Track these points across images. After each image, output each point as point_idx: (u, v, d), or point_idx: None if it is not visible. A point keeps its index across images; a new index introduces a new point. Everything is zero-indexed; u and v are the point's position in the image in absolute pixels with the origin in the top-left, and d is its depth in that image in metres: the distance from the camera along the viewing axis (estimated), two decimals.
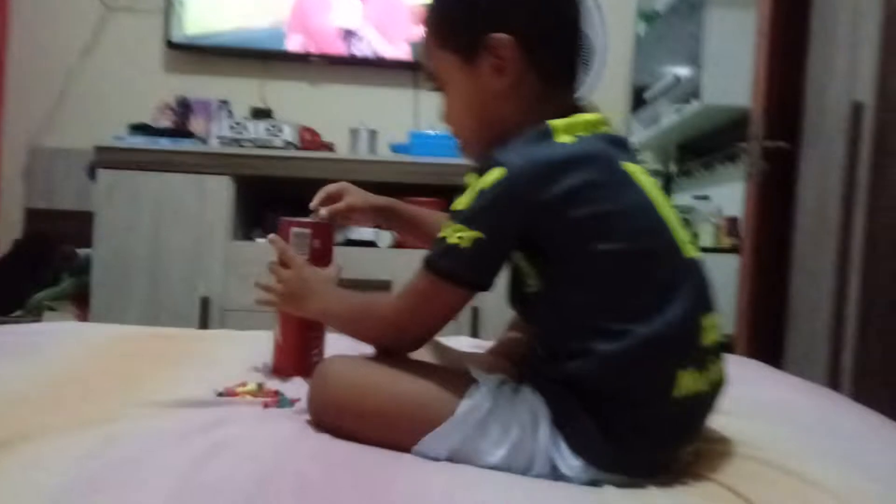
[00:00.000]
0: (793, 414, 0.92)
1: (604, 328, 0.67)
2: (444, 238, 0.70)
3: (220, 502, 0.54)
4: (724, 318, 1.86)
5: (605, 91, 2.46)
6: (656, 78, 3.44)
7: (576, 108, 0.76)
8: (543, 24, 0.76)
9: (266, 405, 0.81)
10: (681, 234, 0.72)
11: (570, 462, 0.66)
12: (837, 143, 1.56)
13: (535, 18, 0.76)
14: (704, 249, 2.92)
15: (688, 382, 0.67)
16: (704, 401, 0.71)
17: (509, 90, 0.76)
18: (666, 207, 0.73)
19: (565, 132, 0.71)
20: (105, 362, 0.98)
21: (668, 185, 3.95)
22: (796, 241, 1.73)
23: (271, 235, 0.97)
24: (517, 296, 0.76)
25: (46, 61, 2.53)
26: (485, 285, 0.71)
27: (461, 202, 0.70)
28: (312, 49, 2.50)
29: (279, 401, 0.83)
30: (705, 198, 3.25)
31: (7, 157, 2.52)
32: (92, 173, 2.06)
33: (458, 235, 0.68)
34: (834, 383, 1.48)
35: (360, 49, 2.50)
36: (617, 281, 0.68)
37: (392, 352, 0.77)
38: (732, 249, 2.21)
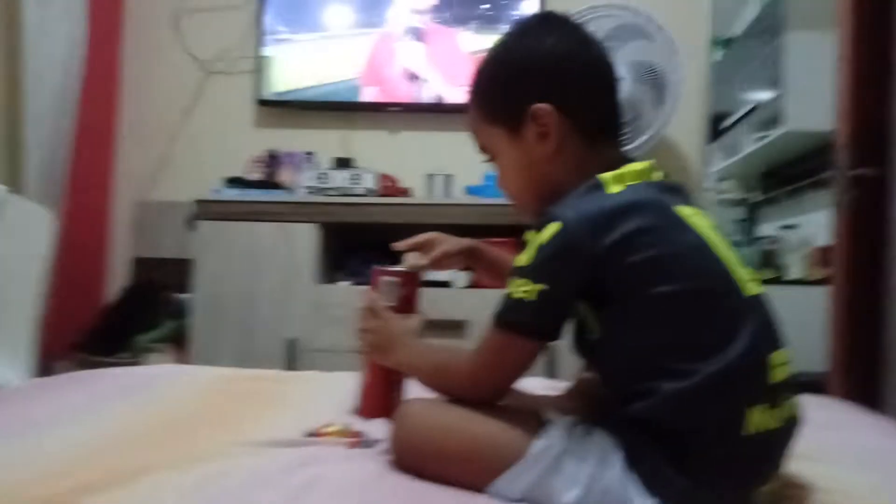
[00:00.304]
0: (883, 461, 0.88)
1: (668, 368, 0.68)
2: (509, 294, 0.73)
3: None
4: (817, 355, 1.79)
5: (681, 123, 2.45)
6: (735, 105, 3.36)
7: (623, 160, 0.80)
8: (580, 91, 0.81)
9: (351, 445, 0.86)
10: (740, 273, 0.74)
11: (644, 501, 0.67)
12: None
13: (571, 87, 0.81)
14: (793, 282, 2.81)
15: (758, 420, 0.68)
16: (777, 438, 0.71)
17: (555, 154, 0.81)
18: (722, 247, 0.75)
19: (615, 183, 0.75)
20: (207, 403, 1.07)
21: (752, 215, 3.81)
22: (890, 273, 1.65)
23: (365, 289, 1.01)
24: (582, 344, 0.79)
25: (151, 122, 2.77)
26: (553, 335, 0.75)
27: (522, 259, 0.73)
28: (386, 98, 2.62)
29: (363, 442, 0.87)
30: (792, 227, 3.13)
31: (117, 211, 2.76)
32: (192, 224, 2.23)
33: (522, 290, 0.72)
34: None
35: (428, 94, 2.59)
36: (677, 322, 0.69)
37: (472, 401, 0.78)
38: (824, 281, 2.11)
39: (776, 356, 0.72)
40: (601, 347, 0.75)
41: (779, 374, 0.71)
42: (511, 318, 0.74)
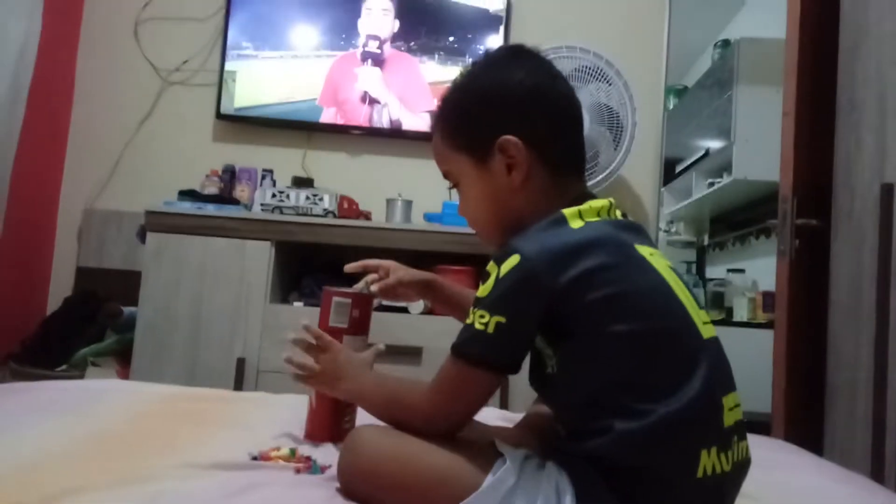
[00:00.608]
0: (823, 500, 0.90)
1: (622, 407, 0.69)
2: (470, 325, 0.74)
3: None
4: (763, 395, 1.84)
5: (636, 165, 2.52)
6: (688, 151, 3.49)
7: (586, 196, 0.81)
8: (547, 125, 0.83)
9: (298, 471, 0.84)
10: (696, 315, 0.75)
11: None
12: (868, 223, 1.57)
13: (539, 120, 0.82)
14: (740, 324, 2.90)
15: (710, 462, 0.68)
16: (728, 481, 0.71)
17: (520, 185, 0.82)
18: (680, 289, 0.76)
19: (576, 218, 0.76)
20: (146, 422, 1.03)
21: (701, 258, 3.93)
22: (831, 320, 1.71)
23: (305, 323, 0.97)
24: (537, 377, 0.79)
25: (105, 129, 2.69)
26: (511, 368, 0.75)
27: (483, 290, 0.74)
28: (345, 120, 2.62)
29: (311, 467, 0.85)
30: (740, 271, 3.24)
31: (62, 219, 2.66)
32: (142, 236, 2.16)
33: (482, 322, 0.72)
34: (877, 472, 1.43)
35: (388, 119, 2.61)
36: (634, 361, 0.70)
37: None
38: (769, 324, 2.18)
39: (729, 399, 0.73)
40: (556, 382, 0.75)
41: (731, 418, 0.72)
42: (469, 349, 0.74)
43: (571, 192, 0.82)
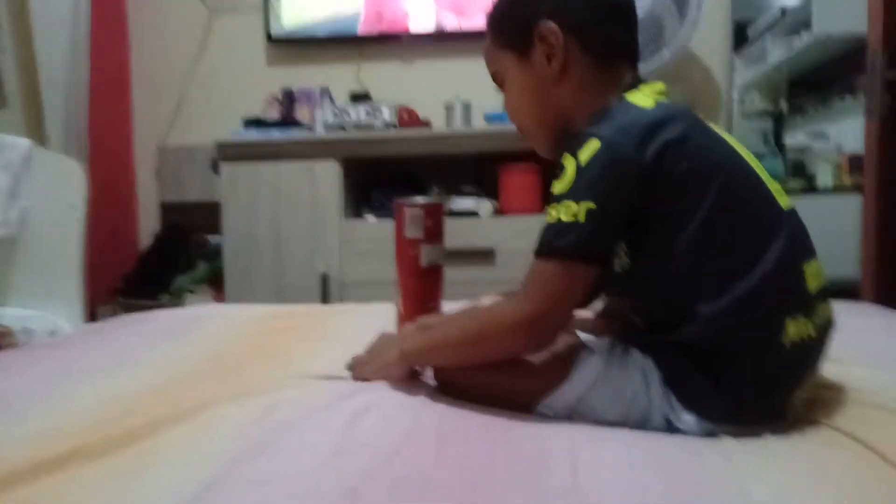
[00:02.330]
0: None
1: (704, 289, 0.69)
2: (555, 221, 0.69)
3: (374, 454, 0.62)
4: (850, 261, 1.78)
5: (704, 34, 2.36)
6: (760, 11, 3.23)
7: (638, 82, 0.79)
8: (589, 12, 0.80)
9: None
10: (772, 186, 0.74)
11: (683, 417, 0.69)
12: None
13: (579, 8, 0.79)
14: (824, 190, 2.77)
15: (796, 329, 0.69)
16: (814, 346, 0.72)
17: (561, 75, 0.79)
18: (755, 162, 0.74)
19: (644, 98, 0.74)
20: (252, 340, 1.11)
21: (778, 126, 3.72)
22: None
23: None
24: (604, 276, 0.75)
25: (163, 66, 2.74)
26: (607, 258, 0.72)
27: (561, 184, 0.70)
28: (393, 28, 2.54)
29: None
30: (823, 136, 3.05)
31: (139, 159, 2.78)
32: (216, 168, 2.24)
33: (569, 213, 0.68)
34: None
35: (437, 22, 2.52)
36: (714, 235, 0.69)
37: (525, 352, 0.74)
38: (856, 189, 2.08)
39: (810, 267, 0.72)
40: (627, 278, 0.74)
41: (813, 284, 0.72)
42: (561, 243, 0.69)
43: (621, 80, 0.79)
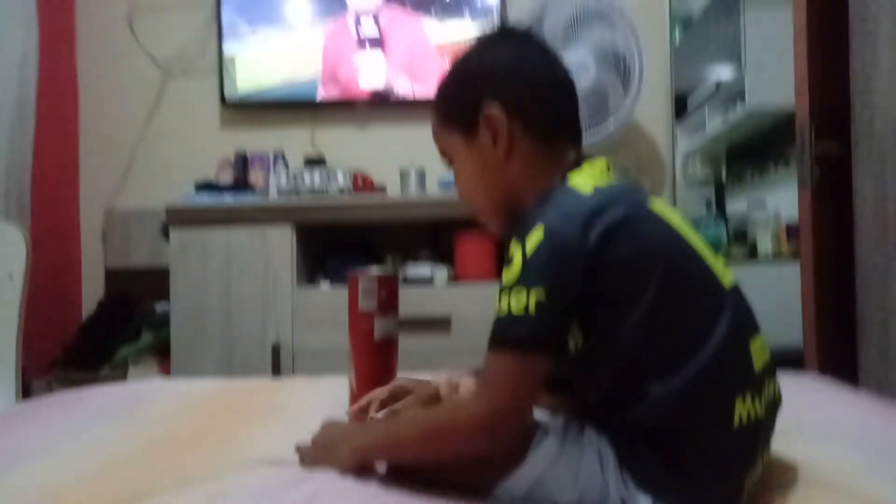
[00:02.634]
0: (863, 436, 0.92)
1: (653, 370, 0.70)
2: (505, 312, 0.70)
3: None
4: (794, 329, 1.84)
5: (646, 105, 2.48)
6: (698, 84, 3.42)
7: (581, 160, 0.82)
8: (531, 93, 0.83)
9: None
10: (715, 264, 0.76)
11: (639, 500, 0.69)
12: (890, 143, 1.54)
13: (522, 90, 0.83)
14: (764, 258, 2.88)
15: (744, 409, 0.70)
16: (762, 425, 0.73)
17: (508, 156, 0.82)
18: (696, 239, 0.76)
19: (584, 183, 0.76)
20: (197, 421, 1.06)
21: (720, 194, 3.88)
22: (858, 248, 1.69)
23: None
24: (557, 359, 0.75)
25: (113, 127, 2.70)
26: (559, 345, 0.73)
27: (510, 273, 0.71)
28: (348, 94, 2.59)
29: None
30: (762, 204, 3.20)
31: (85, 222, 2.70)
32: (165, 233, 2.19)
33: (519, 304, 0.69)
34: None
35: (393, 88, 2.58)
36: (660, 317, 0.70)
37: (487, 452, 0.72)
38: (795, 256, 2.17)
39: (756, 342, 0.74)
40: (582, 359, 0.74)
41: (759, 361, 0.74)
42: (513, 334, 0.70)
43: (565, 159, 0.82)
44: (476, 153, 0.84)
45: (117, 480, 0.80)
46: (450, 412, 0.75)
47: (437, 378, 1.02)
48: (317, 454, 0.82)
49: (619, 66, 2.24)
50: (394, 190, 2.44)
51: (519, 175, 0.83)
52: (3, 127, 2.13)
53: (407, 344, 1.04)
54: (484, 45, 0.89)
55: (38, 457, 0.89)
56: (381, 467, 0.79)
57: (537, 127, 0.82)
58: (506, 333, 0.71)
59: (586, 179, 0.77)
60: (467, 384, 0.99)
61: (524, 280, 0.70)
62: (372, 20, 2.57)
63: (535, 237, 0.71)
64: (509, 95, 0.82)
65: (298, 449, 0.85)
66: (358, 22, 2.58)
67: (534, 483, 0.70)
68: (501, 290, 0.72)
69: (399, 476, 0.77)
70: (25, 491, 0.77)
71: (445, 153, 0.90)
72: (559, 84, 0.86)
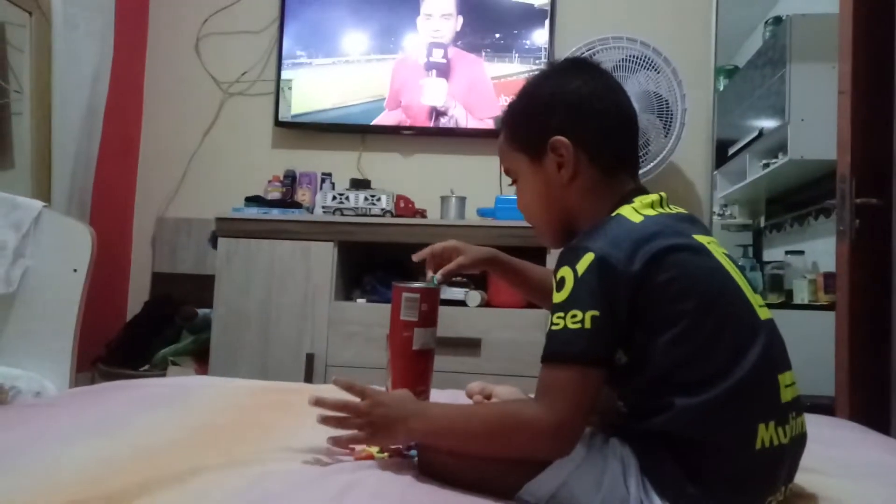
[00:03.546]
0: (885, 473, 0.93)
1: (683, 385, 0.74)
2: (561, 328, 0.75)
3: None
4: (827, 377, 1.83)
5: (687, 150, 2.51)
6: (741, 132, 3.44)
7: (637, 191, 0.87)
8: (597, 128, 0.89)
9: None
10: (753, 298, 0.80)
11: None
12: None
13: (589, 124, 0.89)
14: (800, 306, 2.86)
15: (769, 435, 0.73)
16: (786, 453, 0.75)
17: (570, 182, 0.89)
18: (736, 273, 0.81)
19: (634, 213, 0.82)
20: (241, 413, 1.13)
21: (757, 241, 3.87)
22: (895, 302, 1.70)
23: (317, 396, 0.89)
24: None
25: (173, 141, 2.85)
26: (612, 359, 0.77)
27: (563, 294, 0.76)
28: (405, 123, 2.70)
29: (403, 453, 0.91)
30: (799, 252, 3.19)
31: (137, 227, 2.83)
32: (214, 241, 2.29)
33: (575, 321, 0.74)
34: None
35: (452, 121, 2.67)
36: (695, 341, 0.74)
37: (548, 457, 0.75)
38: (832, 307, 2.16)
39: (785, 377, 0.77)
40: (624, 368, 0.79)
41: (787, 394, 0.77)
42: (574, 349, 0.75)
43: (622, 188, 0.88)
44: (541, 176, 0.91)
45: (168, 458, 0.86)
46: (516, 414, 0.78)
47: (470, 386, 1.08)
48: (373, 432, 0.85)
49: (662, 110, 2.29)
50: (434, 215, 2.51)
51: (577, 201, 0.89)
52: (72, 133, 2.26)
53: (438, 362, 1.08)
54: (557, 74, 0.94)
55: (96, 434, 0.96)
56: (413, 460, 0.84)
57: (599, 160, 0.89)
58: (565, 348, 0.75)
59: (637, 210, 0.83)
60: (501, 392, 1.04)
61: (578, 299, 0.75)
62: (440, 66, 2.68)
63: (585, 261, 0.77)
64: (577, 128, 0.88)
65: (347, 438, 0.87)
66: (430, 46, 2.69)
67: (558, 486, 0.74)
68: (555, 309, 0.77)
69: (430, 473, 0.81)
70: (86, 462, 0.83)
71: (510, 172, 0.96)
72: (623, 120, 0.92)
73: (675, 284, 0.76)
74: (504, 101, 2.62)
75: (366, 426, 0.86)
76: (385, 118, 2.70)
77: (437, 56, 2.67)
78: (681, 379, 0.74)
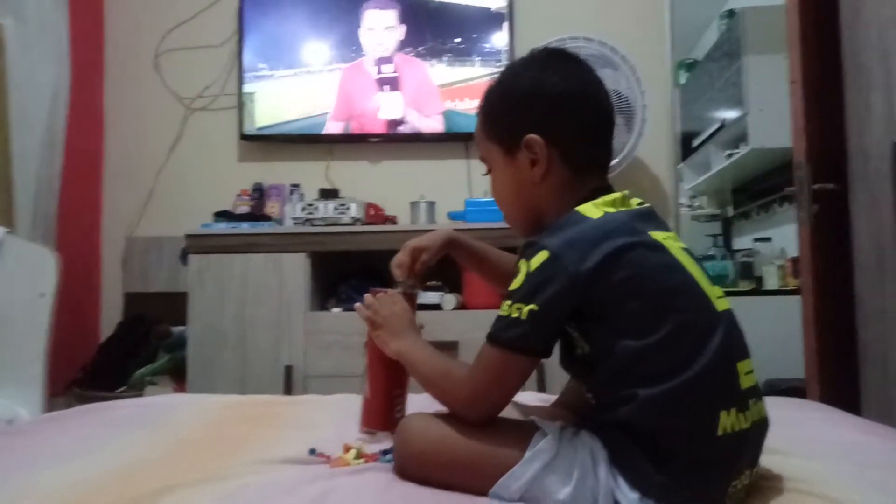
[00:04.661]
0: (853, 452, 0.95)
1: (645, 376, 0.76)
2: (504, 315, 0.80)
3: None
4: (799, 361, 1.88)
5: (651, 145, 2.56)
6: (704, 124, 3.51)
7: (604, 189, 0.89)
8: (572, 128, 0.90)
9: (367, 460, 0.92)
10: (710, 291, 0.82)
11: (628, 496, 0.74)
12: (884, 182, 1.60)
13: (564, 124, 0.90)
14: (771, 292, 2.92)
15: (730, 422, 0.75)
16: (748, 438, 0.78)
17: (542, 180, 0.90)
18: (694, 268, 0.83)
19: (593, 210, 0.84)
20: (217, 428, 1.12)
21: (727, 230, 3.94)
22: (857, 280, 1.74)
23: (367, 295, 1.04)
24: (568, 360, 0.86)
25: (137, 160, 2.82)
26: (543, 352, 0.81)
27: (515, 284, 0.80)
28: (361, 130, 2.70)
29: (378, 458, 0.93)
30: (767, 239, 3.25)
31: (106, 248, 2.79)
32: (185, 258, 2.28)
33: (515, 311, 0.79)
34: None
35: (403, 127, 2.69)
36: (654, 335, 0.76)
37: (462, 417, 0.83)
38: (800, 290, 2.21)
39: (743, 364, 0.80)
40: (588, 361, 0.82)
41: (746, 381, 0.79)
42: (506, 335, 0.80)
43: (590, 187, 0.89)
44: (513, 169, 0.92)
45: (143, 478, 0.85)
46: (449, 374, 0.87)
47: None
48: (386, 330, 0.98)
49: (622, 107, 2.33)
50: (404, 221, 2.52)
51: (546, 196, 0.91)
52: (33, 156, 2.23)
53: None
54: (536, 66, 0.93)
55: (69, 458, 0.95)
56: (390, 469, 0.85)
57: (572, 159, 0.90)
58: (500, 333, 0.81)
59: (597, 207, 0.84)
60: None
61: (523, 292, 0.79)
62: (390, 80, 2.69)
63: (539, 258, 0.79)
64: (553, 126, 0.89)
65: (370, 304, 1.01)
66: (378, 62, 2.70)
67: (530, 480, 0.76)
68: (506, 296, 0.81)
69: (406, 476, 0.83)
70: (58, 487, 0.82)
71: (485, 160, 0.97)
72: (600, 119, 0.92)
73: (630, 282, 0.78)
74: (458, 104, 2.65)
75: (385, 315, 0.99)
76: (343, 128, 2.70)
77: (388, 70, 2.69)
78: (642, 371, 0.76)
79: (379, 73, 2.70)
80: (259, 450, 0.97)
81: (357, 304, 1.04)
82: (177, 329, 2.37)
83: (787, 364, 2.10)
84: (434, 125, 2.68)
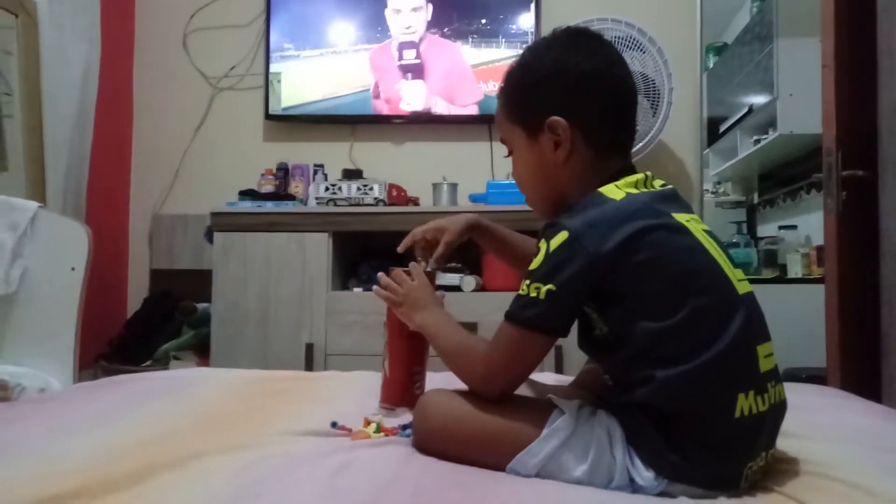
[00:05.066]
0: (870, 437, 0.95)
1: (664, 358, 0.76)
2: (523, 294, 0.81)
3: (353, 502, 0.67)
4: (820, 349, 1.86)
5: (676, 129, 2.53)
6: (732, 109, 3.45)
7: (626, 171, 0.88)
8: (596, 110, 0.89)
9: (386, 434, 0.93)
10: (732, 273, 0.81)
11: (643, 474, 0.75)
12: None
13: (588, 106, 0.89)
14: (794, 280, 2.88)
15: (748, 404, 0.75)
16: (765, 420, 0.78)
17: (564, 162, 0.89)
18: (715, 250, 0.82)
19: (615, 191, 0.83)
20: (238, 400, 1.15)
21: (751, 217, 3.88)
22: (884, 270, 1.71)
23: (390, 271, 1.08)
24: (587, 341, 0.86)
25: (164, 139, 2.86)
26: (561, 331, 0.82)
27: (534, 264, 0.81)
28: (389, 111, 2.70)
29: (398, 433, 0.94)
30: (792, 227, 3.21)
31: (134, 225, 2.85)
32: (210, 236, 2.31)
33: (534, 291, 0.79)
34: None
35: (430, 106, 2.68)
36: (674, 317, 0.76)
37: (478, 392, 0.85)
38: (824, 279, 2.18)
39: (763, 347, 0.79)
40: (604, 342, 0.82)
41: (766, 364, 0.79)
42: (524, 314, 0.80)
43: (612, 168, 0.89)
44: (535, 151, 0.91)
45: (171, 445, 0.88)
46: (470, 350, 0.88)
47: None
48: (407, 304, 1.01)
49: (648, 90, 2.30)
50: (426, 203, 2.53)
51: (569, 178, 0.90)
52: (64, 133, 2.28)
53: None
54: (559, 47, 0.91)
55: (100, 425, 0.98)
56: (408, 442, 0.87)
57: (596, 140, 0.89)
58: (518, 312, 0.81)
59: (619, 188, 0.84)
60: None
61: (542, 271, 0.80)
62: (414, 68, 2.68)
63: (559, 238, 0.80)
64: (575, 108, 0.88)
65: (387, 284, 1.04)
66: (401, 47, 2.69)
67: (547, 457, 0.77)
68: (526, 275, 0.81)
69: (425, 451, 0.84)
70: (87, 453, 0.85)
71: (506, 142, 0.97)
72: (623, 99, 0.91)
73: (651, 264, 0.78)
74: (486, 87, 2.64)
75: (407, 291, 1.02)
76: (375, 108, 2.71)
77: (410, 57, 2.68)
78: (661, 353, 0.76)
79: (401, 58, 2.69)
80: (281, 422, 0.99)
81: (374, 287, 1.06)
82: (201, 305, 2.41)
83: (808, 353, 2.08)
84: (460, 108, 2.67)
